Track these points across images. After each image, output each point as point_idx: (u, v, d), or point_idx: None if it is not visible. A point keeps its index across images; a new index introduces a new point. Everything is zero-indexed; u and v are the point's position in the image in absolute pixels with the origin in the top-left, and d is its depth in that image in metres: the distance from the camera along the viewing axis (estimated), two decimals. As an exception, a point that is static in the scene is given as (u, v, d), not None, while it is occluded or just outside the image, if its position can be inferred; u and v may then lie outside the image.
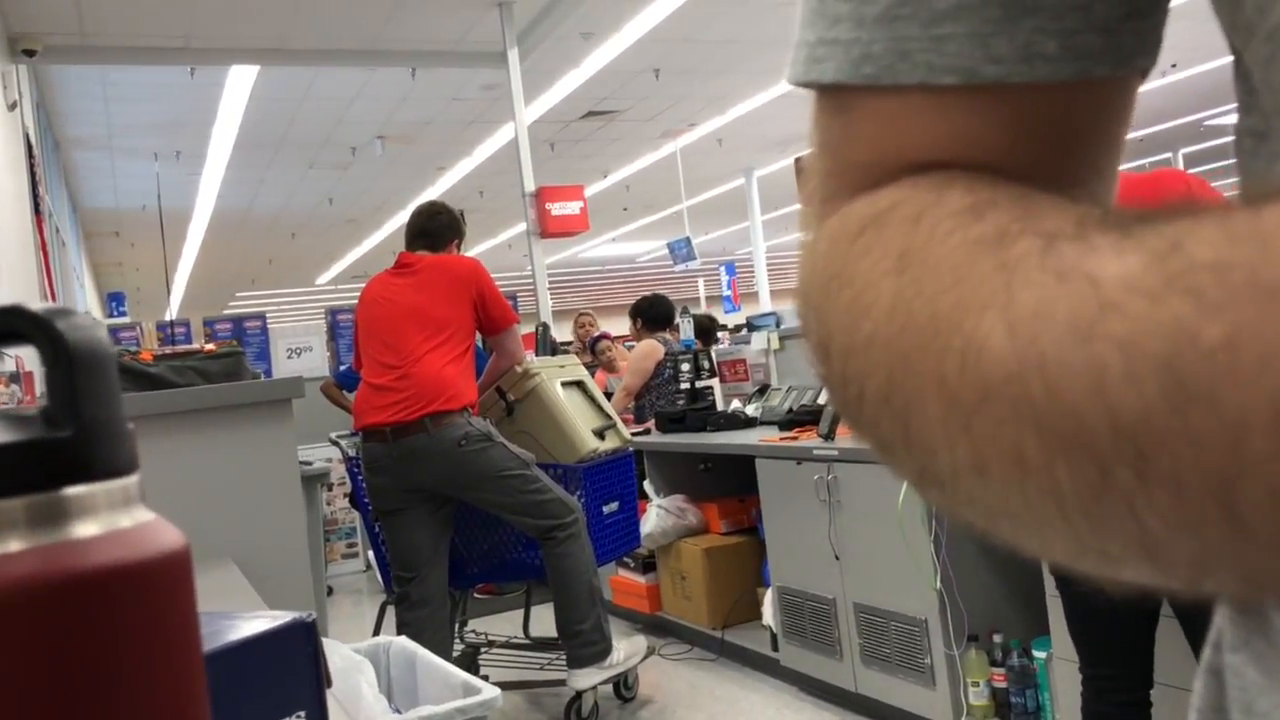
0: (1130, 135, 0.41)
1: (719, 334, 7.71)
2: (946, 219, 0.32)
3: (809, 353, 0.37)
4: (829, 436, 3.55)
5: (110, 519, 0.32)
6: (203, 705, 0.34)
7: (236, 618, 0.79)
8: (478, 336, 3.64)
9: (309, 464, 3.33)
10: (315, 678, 0.77)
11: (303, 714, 0.76)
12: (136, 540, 0.32)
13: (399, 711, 1.91)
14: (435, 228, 3.70)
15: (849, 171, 0.37)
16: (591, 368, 6.47)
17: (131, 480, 0.33)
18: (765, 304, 14.33)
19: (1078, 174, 0.38)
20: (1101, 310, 0.25)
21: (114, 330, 6.64)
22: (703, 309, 17.03)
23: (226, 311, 17.31)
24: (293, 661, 0.75)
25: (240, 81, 8.25)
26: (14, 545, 0.30)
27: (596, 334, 7.04)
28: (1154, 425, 0.23)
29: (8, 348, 2.66)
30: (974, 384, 0.28)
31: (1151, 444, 0.24)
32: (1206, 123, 12.59)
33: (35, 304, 0.32)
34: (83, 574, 0.30)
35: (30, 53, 6.37)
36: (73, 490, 0.31)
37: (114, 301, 12.90)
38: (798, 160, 10.56)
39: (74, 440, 0.31)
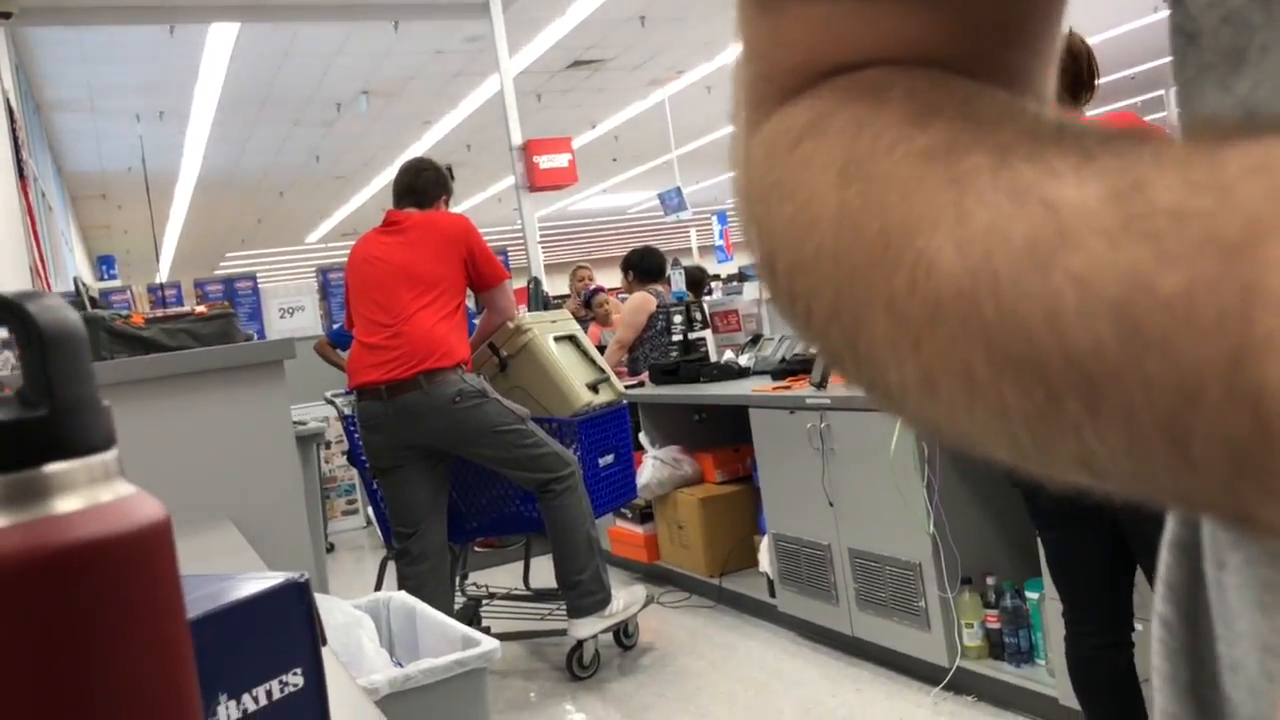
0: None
1: (710, 285, 7.71)
2: (890, 129, 0.31)
3: (755, 264, 0.36)
4: (821, 385, 3.56)
5: (90, 494, 0.32)
6: (189, 672, 0.35)
7: (232, 579, 0.80)
8: (468, 293, 3.64)
9: (303, 424, 3.34)
10: (310, 636, 0.79)
11: (299, 670, 0.78)
12: (117, 513, 0.32)
13: (400, 664, 1.94)
14: (422, 184, 3.68)
15: (781, 76, 0.36)
16: (586, 321, 6.48)
17: (109, 455, 0.33)
18: (758, 252, 14.32)
19: (1020, 64, 0.37)
20: (1059, 240, 0.24)
21: (105, 293, 6.62)
22: (695, 259, 17.01)
23: (217, 272, 17.26)
24: (288, 621, 0.76)
25: (221, 39, 8.14)
26: (-3, 522, 0.30)
27: (592, 287, 7.03)
28: (1106, 364, 0.24)
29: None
30: (923, 301, 0.28)
31: (1103, 380, 0.24)
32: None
33: (6, 288, 0.32)
34: (65, 548, 0.31)
35: (6, 15, 6.27)
36: (51, 467, 0.31)
37: (104, 265, 12.85)
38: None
39: (49, 419, 0.32)
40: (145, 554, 0.33)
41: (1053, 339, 0.24)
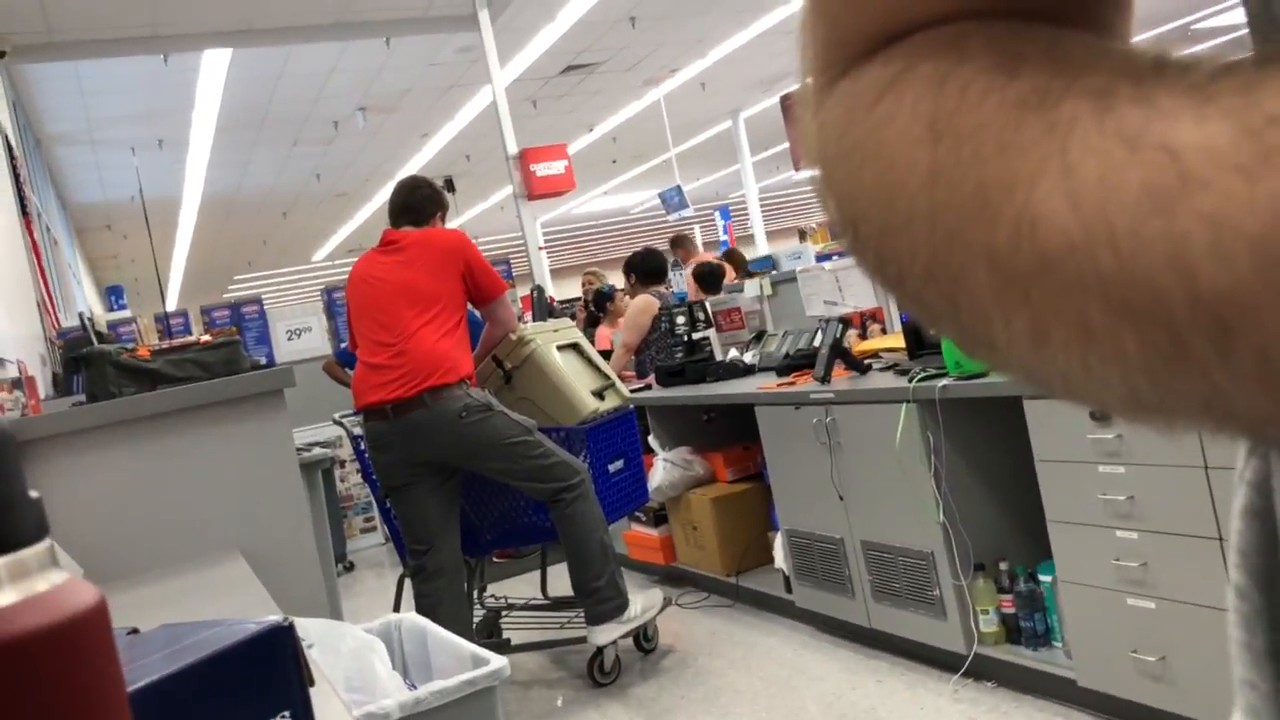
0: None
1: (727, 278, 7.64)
2: (977, 79, 0.30)
3: (836, 232, 0.35)
4: (825, 379, 3.57)
5: (25, 586, 0.34)
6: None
7: (218, 626, 0.82)
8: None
9: (308, 449, 3.36)
10: (297, 678, 0.80)
11: (288, 714, 0.79)
12: (54, 602, 0.34)
13: (414, 686, 1.96)
14: (417, 202, 3.70)
15: (853, 40, 0.35)
16: (594, 324, 6.48)
17: (41, 547, 0.35)
18: (762, 246, 14.28)
19: (1099, 14, 0.36)
20: (1184, 184, 0.24)
21: (113, 325, 6.67)
22: (700, 255, 16.98)
23: (225, 296, 17.33)
24: (273, 666, 0.78)
25: (215, 65, 8.19)
26: (-66, 620, 0.31)
27: (609, 286, 6.97)
28: (1243, 301, 0.23)
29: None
30: (1030, 255, 0.27)
31: (1238, 318, 0.24)
32: (1194, 26, 12.43)
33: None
34: (6, 640, 0.32)
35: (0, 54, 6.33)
36: (-17, 565, 0.33)
37: (113, 295, 12.93)
38: (784, 98, 10.43)
39: (-22, 519, 0.33)
40: (83, 637, 0.34)
41: (1179, 283, 0.24)
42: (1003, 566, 3.10)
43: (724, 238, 15.36)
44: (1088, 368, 0.27)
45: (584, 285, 7.42)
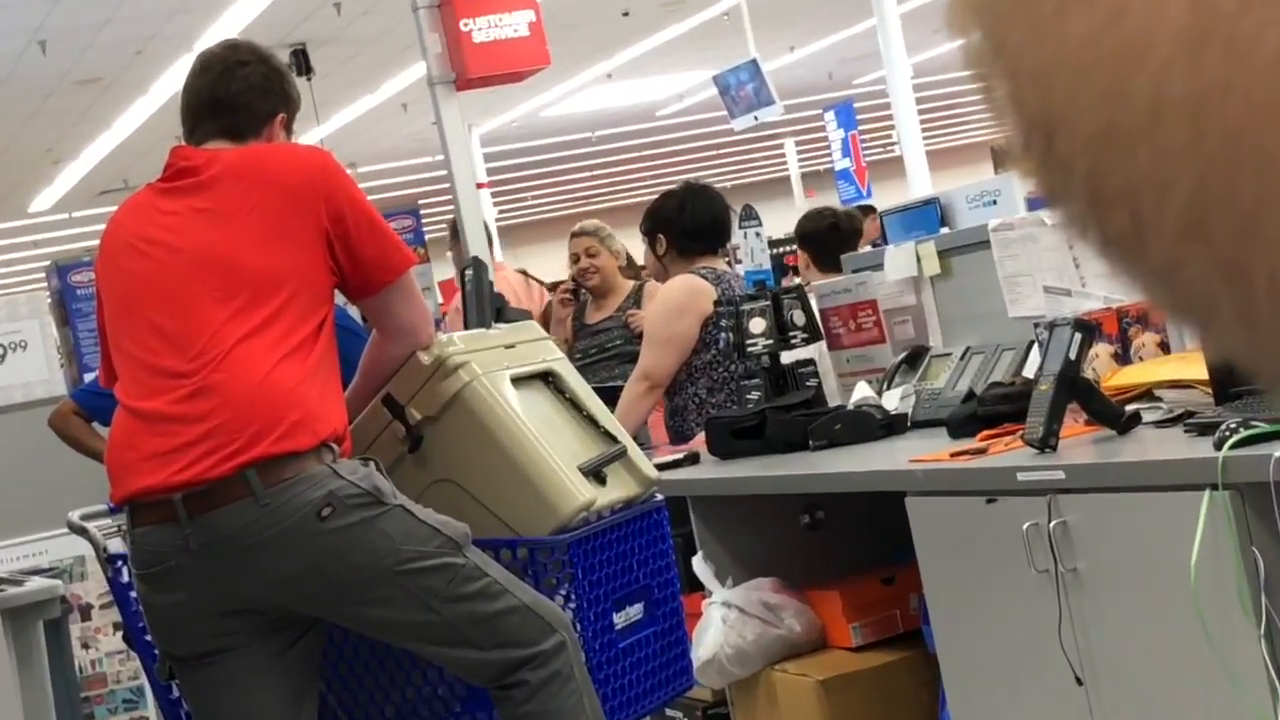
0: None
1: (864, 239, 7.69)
2: None
3: (1015, 143, 0.38)
4: (1047, 444, 3.55)
5: None
6: None
7: None
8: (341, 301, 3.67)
9: (16, 583, 3.37)
10: None
11: None
12: None
13: None
14: (236, 94, 3.73)
15: None
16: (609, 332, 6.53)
17: None
18: (921, 183, 14.26)
19: None
20: None
21: None
22: (797, 199, 17.03)
23: None
24: None
25: None
26: None
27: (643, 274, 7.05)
28: None
29: None
30: None
31: None
32: None
33: None
34: None
35: None
36: None
37: None
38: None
39: None
40: None
41: None
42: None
43: (844, 162, 15.40)
44: None
45: (576, 255, 7.45)
